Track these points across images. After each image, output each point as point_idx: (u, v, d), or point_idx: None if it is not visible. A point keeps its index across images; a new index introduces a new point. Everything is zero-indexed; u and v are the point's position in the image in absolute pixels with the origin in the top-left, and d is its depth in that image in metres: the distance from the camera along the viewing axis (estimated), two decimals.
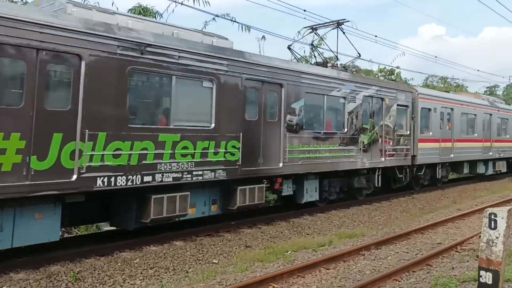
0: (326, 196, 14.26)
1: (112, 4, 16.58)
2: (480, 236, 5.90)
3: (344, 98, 14.20)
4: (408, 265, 8.20)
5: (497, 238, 5.62)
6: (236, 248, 10.19)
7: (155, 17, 17.28)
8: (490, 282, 5.64)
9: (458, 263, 8.38)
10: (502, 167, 25.84)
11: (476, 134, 22.25)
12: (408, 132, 17.31)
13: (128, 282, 7.87)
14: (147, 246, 9.59)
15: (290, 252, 9.70)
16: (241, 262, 8.93)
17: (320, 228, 12.48)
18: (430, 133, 18.62)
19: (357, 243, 10.28)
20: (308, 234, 11.85)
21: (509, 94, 50.49)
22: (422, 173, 18.83)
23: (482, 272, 5.71)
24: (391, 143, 16.19)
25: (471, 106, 22.05)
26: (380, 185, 16.23)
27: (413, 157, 17.55)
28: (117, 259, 8.67)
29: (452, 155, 20.03)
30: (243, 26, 17.38)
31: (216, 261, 9.32)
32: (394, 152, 16.36)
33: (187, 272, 8.57)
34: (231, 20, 17.47)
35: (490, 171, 24.51)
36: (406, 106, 17.28)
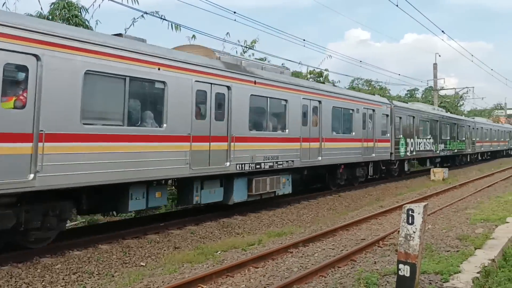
0: None
1: None
2: (399, 231, 6.21)
3: None
4: (334, 261, 8.46)
5: (414, 232, 5.94)
6: (164, 250, 10.02)
7: (80, 12, 16.51)
8: (408, 274, 5.96)
9: (380, 257, 8.77)
10: (281, 186, 14.62)
11: (165, 126, 10.56)
12: None
13: None
14: (70, 251, 9.17)
15: (219, 252, 9.67)
16: (170, 264, 8.79)
17: (250, 228, 12.58)
18: None
19: (285, 241, 10.45)
20: (238, 234, 11.90)
21: (427, 97, 53.64)
22: None
23: (401, 265, 6.01)
24: None
25: (145, 63, 10.05)
26: None
27: None
28: (36, 266, 8.21)
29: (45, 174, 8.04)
30: (173, 25, 17.07)
31: (144, 264, 9.11)
32: None
33: (113, 276, 8.31)
34: (161, 18, 17.11)
35: (239, 198, 13.19)
36: None
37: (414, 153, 26.18)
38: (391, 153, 22.92)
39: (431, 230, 10.80)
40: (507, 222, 11.17)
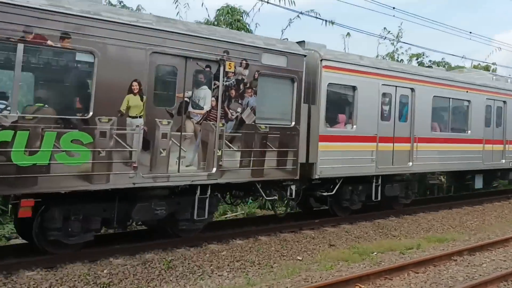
0: None
1: (202, 4, 17.12)
2: None
3: None
4: (507, 273, 7.69)
5: None
6: (319, 246, 10.14)
7: (242, 17, 17.58)
8: None
9: None
10: None
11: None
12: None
13: (216, 273, 8.13)
14: (234, 240, 9.84)
15: (376, 253, 9.49)
16: (325, 261, 8.89)
17: (407, 231, 12.05)
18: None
19: (447, 247, 9.83)
20: (394, 236, 11.50)
21: None
22: None
23: None
24: None
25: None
26: None
27: None
28: (205, 250, 8.99)
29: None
30: (327, 21, 17.20)
31: (300, 258, 9.34)
32: None
33: (272, 267, 8.67)
34: (315, 17, 17.35)
35: None
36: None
37: None
38: None
39: None
40: None
